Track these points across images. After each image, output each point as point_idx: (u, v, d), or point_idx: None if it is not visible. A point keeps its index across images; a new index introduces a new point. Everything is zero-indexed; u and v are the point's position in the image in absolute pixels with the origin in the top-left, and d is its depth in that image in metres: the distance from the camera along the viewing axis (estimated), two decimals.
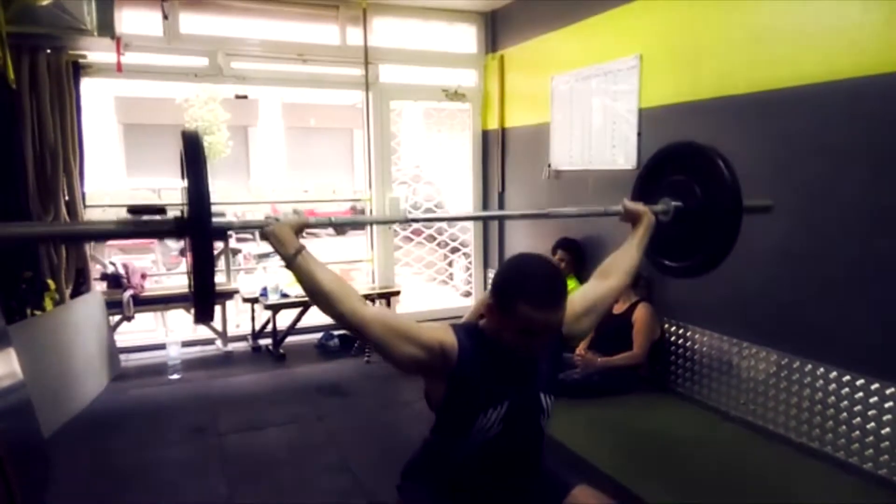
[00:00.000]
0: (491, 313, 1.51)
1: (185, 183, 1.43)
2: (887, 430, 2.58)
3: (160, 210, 1.48)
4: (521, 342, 1.46)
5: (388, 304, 5.19)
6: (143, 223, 1.47)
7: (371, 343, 1.48)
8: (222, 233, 1.51)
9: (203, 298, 1.48)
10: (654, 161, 2.13)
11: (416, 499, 1.68)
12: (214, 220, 1.42)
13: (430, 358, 1.48)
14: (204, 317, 1.56)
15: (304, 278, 1.47)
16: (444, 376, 1.50)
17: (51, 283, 3.80)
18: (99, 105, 16.56)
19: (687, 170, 1.97)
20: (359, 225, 7.22)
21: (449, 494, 1.62)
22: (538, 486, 1.69)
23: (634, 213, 1.91)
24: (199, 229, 1.40)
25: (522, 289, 1.43)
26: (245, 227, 1.63)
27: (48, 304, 3.72)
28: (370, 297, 4.94)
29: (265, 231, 1.50)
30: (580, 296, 1.76)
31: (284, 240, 1.48)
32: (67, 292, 4.00)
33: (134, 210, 1.45)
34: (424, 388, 1.58)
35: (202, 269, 1.43)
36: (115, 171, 17.82)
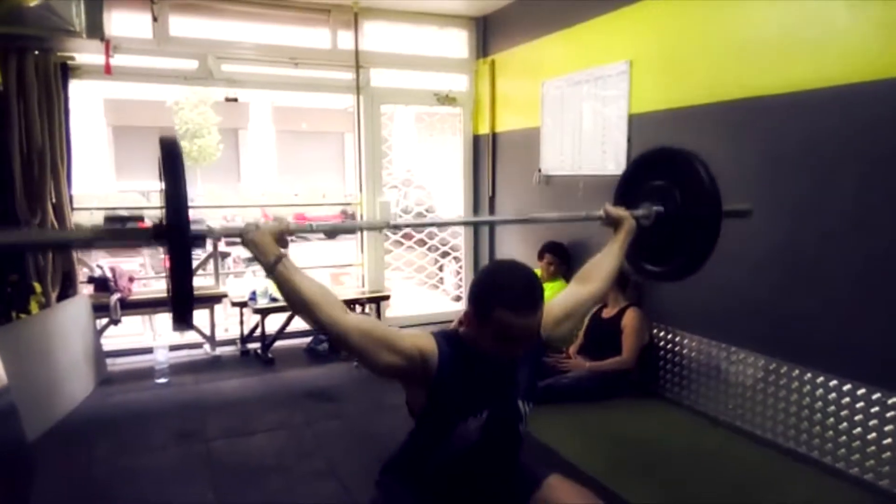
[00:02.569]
0: (469, 322, 1.50)
1: (163, 188, 1.40)
2: (873, 434, 2.60)
3: (138, 218, 1.46)
4: (501, 349, 1.45)
5: (378, 309, 5.18)
6: (119, 232, 1.45)
7: (351, 352, 1.48)
8: (201, 240, 1.47)
9: (182, 307, 1.45)
10: (635, 166, 2.15)
11: (393, 496, 1.68)
12: (193, 227, 1.40)
13: (410, 366, 1.47)
14: (182, 324, 1.52)
15: (284, 286, 1.45)
16: (425, 384, 1.49)
17: (37, 286, 3.77)
18: (88, 107, 16.47)
19: (667, 174, 1.98)
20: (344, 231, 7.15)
21: (427, 494, 1.61)
22: (512, 482, 1.69)
23: (616, 218, 1.92)
24: (177, 237, 1.38)
25: (499, 295, 1.43)
26: (225, 234, 1.60)
27: (34, 307, 3.69)
28: (360, 302, 4.93)
29: (245, 239, 1.48)
30: (559, 301, 1.76)
31: (264, 247, 1.46)
32: (54, 296, 3.97)
33: (111, 219, 1.44)
34: (406, 396, 1.57)
35: (181, 278, 1.41)
36: (104, 174, 17.71)
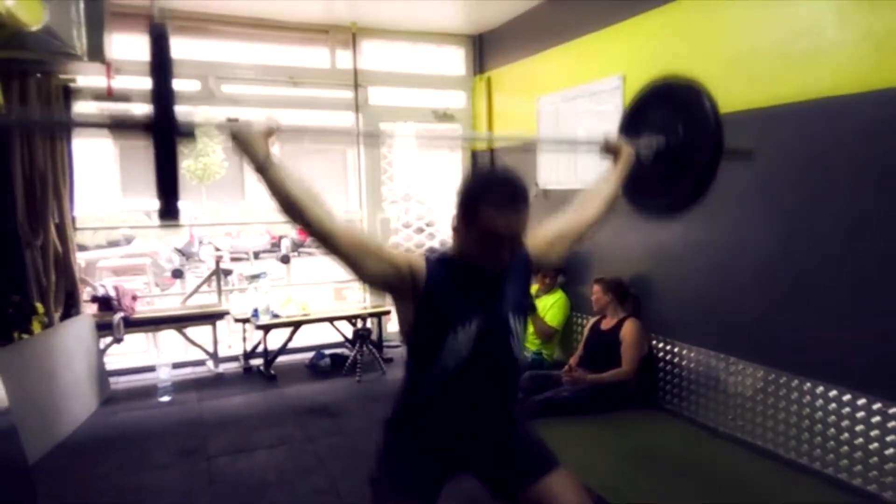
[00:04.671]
0: (456, 229, 1.53)
1: (151, 78, 1.39)
2: (875, 445, 2.59)
3: (125, 98, 1.46)
4: (488, 252, 1.47)
5: (380, 324, 5.19)
6: (107, 118, 1.47)
7: (339, 256, 1.47)
8: (189, 133, 1.48)
9: (168, 198, 1.46)
10: (642, 96, 2.11)
11: (393, 451, 1.69)
12: (181, 119, 1.41)
13: (398, 277, 1.49)
14: (168, 216, 1.51)
15: (274, 185, 1.43)
16: (414, 298, 1.51)
17: (39, 306, 3.79)
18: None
19: (672, 106, 1.96)
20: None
21: (427, 440, 1.62)
22: (520, 450, 1.69)
23: (615, 147, 1.92)
24: (164, 125, 1.38)
25: (483, 193, 1.47)
26: (212, 125, 1.55)
27: (36, 327, 3.71)
28: (361, 317, 4.94)
29: (233, 132, 1.45)
30: (553, 224, 1.79)
31: (255, 145, 1.44)
32: (57, 315, 3.99)
33: (100, 97, 1.46)
34: (398, 320, 1.59)
35: (166, 168, 1.42)
36: (110, 193, 17.82)
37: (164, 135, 1.41)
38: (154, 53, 1.40)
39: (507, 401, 1.69)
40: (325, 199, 1.47)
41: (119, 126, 1.53)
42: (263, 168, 1.42)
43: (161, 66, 1.40)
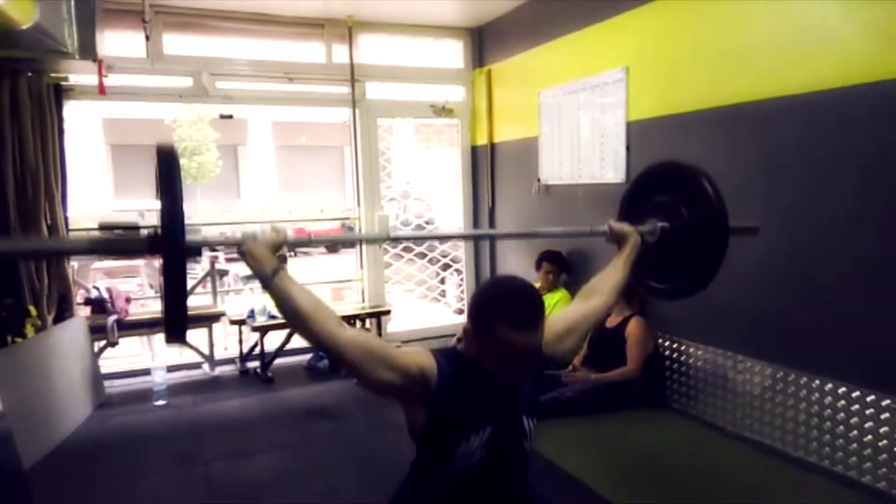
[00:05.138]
0: (469, 338, 1.45)
1: (159, 199, 1.37)
2: (884, 442, 2.55)
3: (133, 227, 1.42)
4: (502, 367, 1.40)
5: (379, 324, 5.13)
6: (113, 241, 1.43)
7: (347, 367, 1.43)
8: (197, 251, 1.45)
9: (175, 319, 1.42)
10: (640, 180, 2.10)
11: None
12: (189, 237, 1.38)
13: (409, 384, 1.42)
14: (175, 337, 1.49)
15: (280, 299, 1.41)
16: (424, 403, 1.44)
17: (32, 309, 3.73)
18: (87, 126, 16.52)
19: (673, 189, 1.94)
20: (346, 242, 7.15)
21: None
22: None
23: (620, 234, 1.87)
24: (172, 247, 1.35)
25: (500, 310, 1.39)
26: (220, 244, 1.58)
27: (29, 330, 3.65)
28: (360, 318, 4.88)
29: (241, 250, 1.44)
30: (562, 316, 1.72)
31: (261, 259, 1.42)
32: (50, 318, 3.93)
33: (105, 227, 1.41)
34: (405, 419, 1.51)
35: (175, 290, 1.38)
36: (103, 193, 17.73)
37: (173, 256, 1.37)
38: (162, 174, 1.37)
39: (516, 493, 1.63)
40: (330, 309, 1.43)
41: (129, 251, 1.50)
42: (269, 282, 1.40)
43: (170, 188, 1.37)
